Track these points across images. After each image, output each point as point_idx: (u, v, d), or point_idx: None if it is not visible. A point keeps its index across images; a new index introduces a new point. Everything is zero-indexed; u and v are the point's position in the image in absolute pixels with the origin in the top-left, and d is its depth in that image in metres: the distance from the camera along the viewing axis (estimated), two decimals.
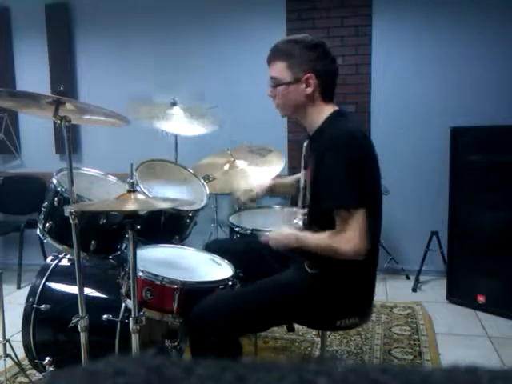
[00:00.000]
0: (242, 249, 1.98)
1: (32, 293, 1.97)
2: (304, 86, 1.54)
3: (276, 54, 1.59)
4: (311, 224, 1.62)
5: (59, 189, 1.87)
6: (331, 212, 1.47)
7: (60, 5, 3.94)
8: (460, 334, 2.69)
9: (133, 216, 1.47)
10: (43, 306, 1.92)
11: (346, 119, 1.58)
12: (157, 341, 1.92)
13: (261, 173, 2.67)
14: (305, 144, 1.70)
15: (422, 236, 3.43)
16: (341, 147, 1.45)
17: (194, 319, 1.48)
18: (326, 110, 1.57)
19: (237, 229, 2.30)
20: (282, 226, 1.69)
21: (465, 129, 3.07)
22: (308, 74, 1.53)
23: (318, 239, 1.49)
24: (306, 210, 1.65)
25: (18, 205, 4.04)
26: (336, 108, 1.59)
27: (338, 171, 1.44)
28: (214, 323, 1.44)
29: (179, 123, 2.82)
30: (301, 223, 1.72)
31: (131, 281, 1.48)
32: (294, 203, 1.91)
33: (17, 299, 2.98)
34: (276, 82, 1.58)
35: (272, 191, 2.09)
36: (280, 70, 1.57)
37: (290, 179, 2.09)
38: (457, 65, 3.46)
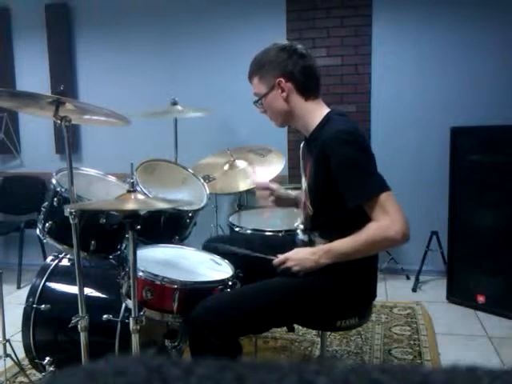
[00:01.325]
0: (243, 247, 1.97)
1: (32, 293, 1.97)
2: (279, 91, 1.56)
3: (250, 70, 1.62)
4: (314, 229, 1.61)
5: (58, 189, 1.87)
6: (359, 207, 1.41)
7: (60, 5, 3.94)
8: (460, 334, 2.69)
9: (133, 216, 1.47)
10: (43, 305, 1.92)
11: (341, 118, 1.56)
12: (157, 341, 1.92)
13: (261, 173, 2.67)
14: (301, 146, 1.70)
15: (422, 236, 3.43)
16: (344, 142, 1.43)
17: (194, 319, 1.48)
18: (317, 111, 1.57)
19: (237, 229, 2.30)
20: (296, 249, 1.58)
21: (465, 129, 3.07)
22: (278, 79, 1.54)
23: (359, 240, 1.43)
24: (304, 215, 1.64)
25: (17, 205, 4.04)
26: (328, 109, 1.59)
27: (354, 164, 1.42)
28: (213, 323, 1.44)
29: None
30: (301, 226, 1.71)
31: (131, 281, 1.48)
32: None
33: (17, 299, 2.98)
34: (257, 97, 1.62)
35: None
36: (257, 84, 1.61)
37: (295, 194, 1.91)
38: (457, 65, 3.46)
